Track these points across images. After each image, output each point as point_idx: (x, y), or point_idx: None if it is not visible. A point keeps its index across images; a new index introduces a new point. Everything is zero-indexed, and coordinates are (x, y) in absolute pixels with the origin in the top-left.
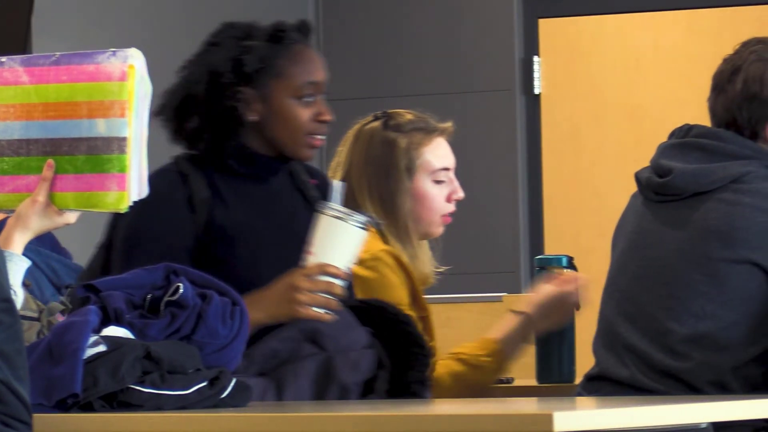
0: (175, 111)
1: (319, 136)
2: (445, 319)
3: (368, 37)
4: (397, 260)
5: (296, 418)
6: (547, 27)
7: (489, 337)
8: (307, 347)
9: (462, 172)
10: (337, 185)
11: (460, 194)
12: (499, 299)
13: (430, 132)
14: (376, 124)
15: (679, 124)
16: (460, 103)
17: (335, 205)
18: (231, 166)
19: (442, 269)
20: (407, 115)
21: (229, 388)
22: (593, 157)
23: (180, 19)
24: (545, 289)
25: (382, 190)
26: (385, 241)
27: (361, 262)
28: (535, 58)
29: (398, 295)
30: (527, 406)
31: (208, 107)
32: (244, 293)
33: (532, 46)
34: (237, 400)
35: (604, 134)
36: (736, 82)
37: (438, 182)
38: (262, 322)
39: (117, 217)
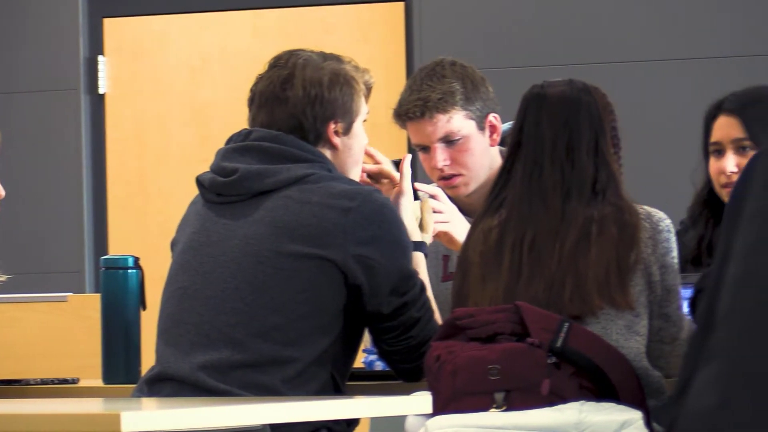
0: None
1: None
2: (9, 319)
3: None
4: None
5: None
6: (113, 26)
7: None
8: None
9: (25, 171)
10: None
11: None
12: (64, 299)
13: None
14: None
15: (244, 125)
16: (24, 103)
17: None
18: None
19: None
20: None
21: None
22: (158, 157)
23: None
24: None
25: None
26: None
27: None
28: (101, 58)
29: None
30: (94, 406)
31: None
32: None
33: (97, 45)
34: None
35: (168, 134)
36: (295, 88)
37: None
38: None
39: None
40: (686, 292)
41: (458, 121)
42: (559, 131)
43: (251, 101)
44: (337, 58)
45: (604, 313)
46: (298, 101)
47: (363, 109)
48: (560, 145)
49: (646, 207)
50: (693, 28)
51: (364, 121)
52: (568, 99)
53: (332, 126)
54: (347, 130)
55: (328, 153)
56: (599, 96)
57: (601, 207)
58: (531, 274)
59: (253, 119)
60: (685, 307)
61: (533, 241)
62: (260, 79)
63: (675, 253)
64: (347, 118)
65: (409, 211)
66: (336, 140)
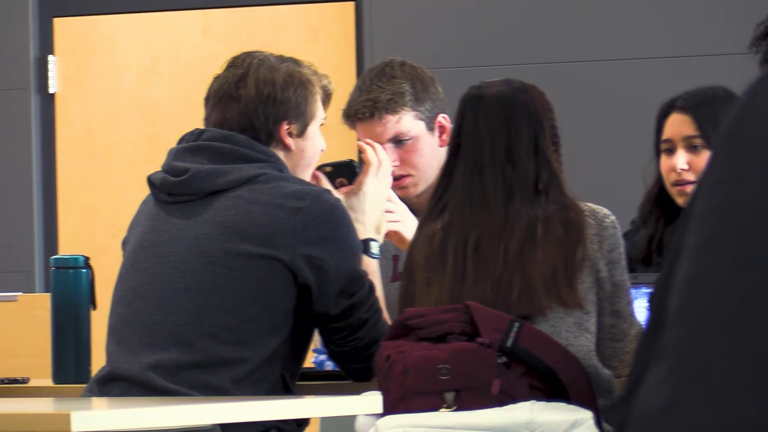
0: None
1: None
2: None
3: None
4: None
5: None
6: (63, 26)
7: None
8: None
9: None
10: None
11: None
12: (14, 299)
13: None
14: None
15: (194, 124)
16: None
17: None
18: None
19: None
20: None
21: None
22: (107, 157)
23: None
24: None
25: None
26: None
27: None
28: (51, 57)
29: None
30: (44, 405)
31: None
32: None
33: (47, 45)
34: None
35: (118, 134)
36: (248, 87)
37: None
38: None
39: None
40: (637, 292)
41: (408, 122)
42: (498, 132)
43: (206, 100)
44: (295, 61)
45: (553, 312)
46: (250, 100)
47: (319, 112)
48: (499, 145)
49: (589, 204)
50: (652, 26)
51: (321, 125)
52: (505, 99)
53: (285, 127)
54: (301, 132)
55: (281, 154)
56: (537, 94)
57: (545, 206)
58: (476, 276)
59: (207, 118)
60: (645, 303)
61: (477, 242)
62: (216, 78)
63: (622, 249)
64: (301, 120)
65: (368, 205)
66: (289, 141)
